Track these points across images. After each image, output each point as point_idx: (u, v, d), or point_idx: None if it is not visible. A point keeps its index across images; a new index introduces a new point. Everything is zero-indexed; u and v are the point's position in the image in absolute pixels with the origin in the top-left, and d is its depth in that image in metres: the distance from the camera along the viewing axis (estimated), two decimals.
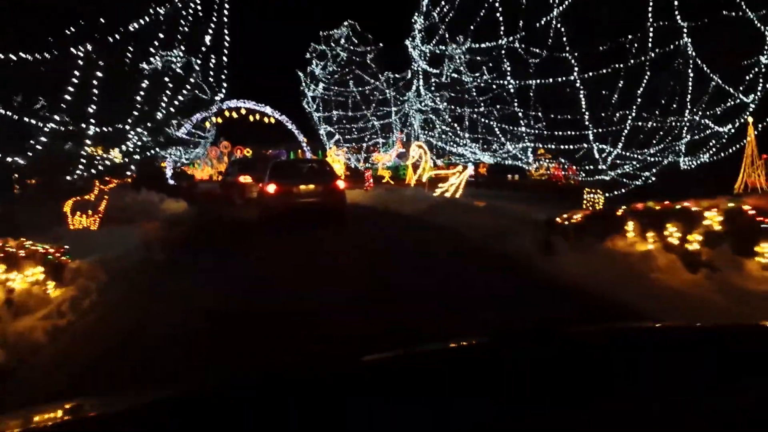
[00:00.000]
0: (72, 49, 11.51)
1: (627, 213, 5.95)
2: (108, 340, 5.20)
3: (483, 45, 15.47)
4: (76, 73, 11.73)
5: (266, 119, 27.96)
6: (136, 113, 14.29)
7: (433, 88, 17.40)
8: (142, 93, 14.28)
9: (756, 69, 15.19)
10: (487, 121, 16.13)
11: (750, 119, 20.03)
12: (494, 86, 15.55)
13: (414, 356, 1.58)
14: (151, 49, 14.09)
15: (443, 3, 16.83)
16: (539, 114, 15.93)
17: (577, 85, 14.23)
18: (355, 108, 32.74)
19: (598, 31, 14.02)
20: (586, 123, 14.69)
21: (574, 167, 19.17)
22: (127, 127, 14.33)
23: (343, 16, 35.24)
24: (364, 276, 7.27)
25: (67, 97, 11.86)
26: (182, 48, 15.38)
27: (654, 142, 16.09)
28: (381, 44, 33.26)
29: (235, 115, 27.72)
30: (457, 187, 24.89)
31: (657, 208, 5.55)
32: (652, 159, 16.94)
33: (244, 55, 73.52)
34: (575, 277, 5.70)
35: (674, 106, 15.79)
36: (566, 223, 7.04)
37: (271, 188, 13.27)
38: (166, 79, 15.15)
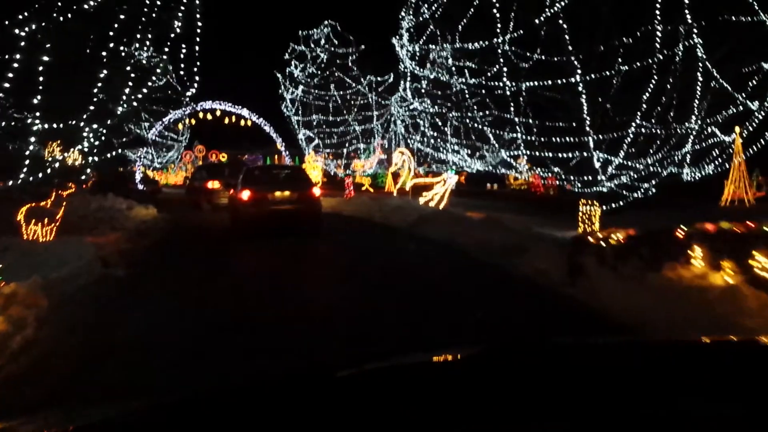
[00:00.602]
0: (15, 30, 10.11)
1: (691, 235, 4.87)
2: (41, 394, 3.99)
3: (475, 44, 14.46)
4: (18, 56, 10.18)
5: (243, 122, 26.68)
6: (92, 107, 12.72)
7: (423, 90, 16.31)
8: (99, 84, 12.61)
9: (761, 74, 14.45)
10: (478, 125, 15.10)
11: (737, 128, 19.36)
12: (487, 88, 14.54)
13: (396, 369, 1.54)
14: (111, 33, 12.44)
15: None
16: (530, 120, 14.98)
17: (579, 88, 13.29)
18: (335, 112, 31.64)
19: (601, 29, 13.10)
20: (587, 129, 13.76)
21: (560, 177, 18.24)
22: (82, 124, 12.79)
23: (324, 15, 34.20)
24: (355, 319, 5.60)
25: (7, 85, 10.31)
26: (148, 35, 13.79)
27: (651, 151, 15.24)
28: (363, 46, 32.22)
29: (209, 116, 26.41)
30: (441, 197, 23.90)
31: (737, 230, 4.51)
32: (653, 169, 16.10)
33: (220, 54, 71.80)
34: (626, 312, 4.59)
35: (672, 113, 15.00)
36: (602, 243, 5.95)
37: (245, 195, 12.91)
38: (129, 68, 13.66)
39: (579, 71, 13.07)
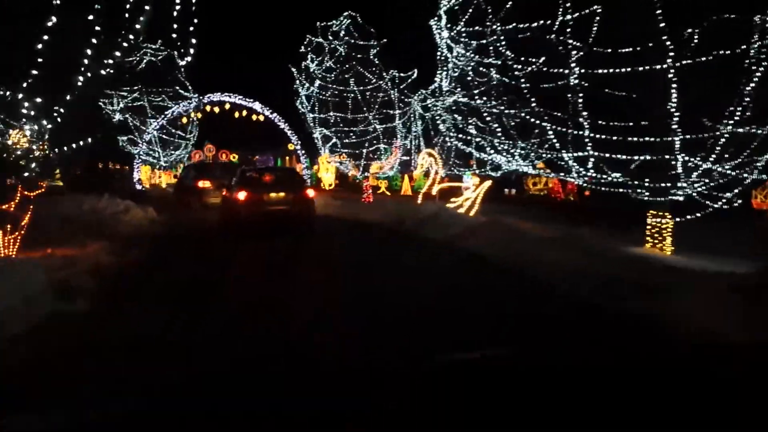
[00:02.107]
0: None
1: None
2: None
3: (535, 24, 12.00)
4: None
5: (254, 116, 24.27)
6: (35, 72, 9.74)
7: (471, 79, 13.81)
8: (46, 37, 9.63)
9: None
10: (538, 121, 12.62)
11: None
12: (550, 77, 12.06)
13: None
14: None
15: None
16: (585, 115, 12.45)
17: (670, 76, 10.77)
18: (355, 109, 29.26)
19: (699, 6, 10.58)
20: (674, 127, 11.23)
21: (618, 183, 15.74)
22: (21, 96, 9.85)
23: (344, 5, 31.82)
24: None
25: None
26: None
27: (744, 154, 12.66)
28: (385, 40, 29.83)
29: (217, 110, 23.99)
30: (473, 202, 21.59)
31: None
32: (734, 174, 13.51)
33: (229, 45, 69.47)
34: None
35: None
36: None
37: (242, 195, 13.24)
38: (92, 18, 10.66)
39: (671, 56, 10.56)
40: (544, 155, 14.96)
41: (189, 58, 14.83)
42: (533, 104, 12.61)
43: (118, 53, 11.57)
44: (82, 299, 6.52)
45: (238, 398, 1.46)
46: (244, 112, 23.70)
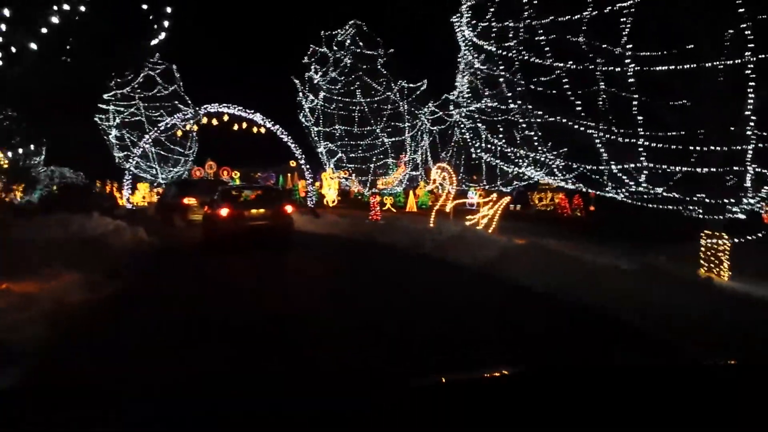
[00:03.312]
0: None
1: None
2: None
3: (578, 15, 10.39)
4: None
5: (255, 129, 22.74)
6: None
7: (502, 80, 12.14)
8: None
9: None
10: (582, 128, 10.95)
11: None
12: (593, 79, 10.42)
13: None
14: None
15: None
16: (645, 126, 10.78)
17: (749, 71, 9.09)
18: (361, 122, 27.67)
19: None
20: (749, 133, 9.53)
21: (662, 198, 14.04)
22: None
23: (349, 14, 30.39)
24: None
25: None
26: None
27: None
28: (392, 50, 28.33)
29: (215, 122, 22.43)
30: (491, 219, 19.89)
31: None
32: None
33: (228, 55, 67.85)
34: None
35: None
36: None
37: (224, 211, 13.95)
38: None
39: (750, 47, 8.89)
40: (584, 167, 13.27)
41: (161, 37, 13.14)
42: (578, 108, 10.91)
43: (55, 20, 9.56)
44: (12, 367, 4.74)
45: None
46: (244, 125, 22.20)
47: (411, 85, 27.50)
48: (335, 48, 28.52)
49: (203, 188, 19.95)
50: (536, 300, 7.20)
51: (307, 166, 23.54)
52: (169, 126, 24.98)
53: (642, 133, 10.52)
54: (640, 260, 8.50)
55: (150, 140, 25.20)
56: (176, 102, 38.37)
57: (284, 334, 5.82)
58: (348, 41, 28.20)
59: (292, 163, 70.76)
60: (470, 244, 11.69)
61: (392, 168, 30.52)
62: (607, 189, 14.02)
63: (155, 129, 24.78)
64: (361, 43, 28.29)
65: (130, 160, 24.60)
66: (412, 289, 8.40)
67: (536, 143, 12.15)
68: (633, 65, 10.10)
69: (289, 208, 15.27)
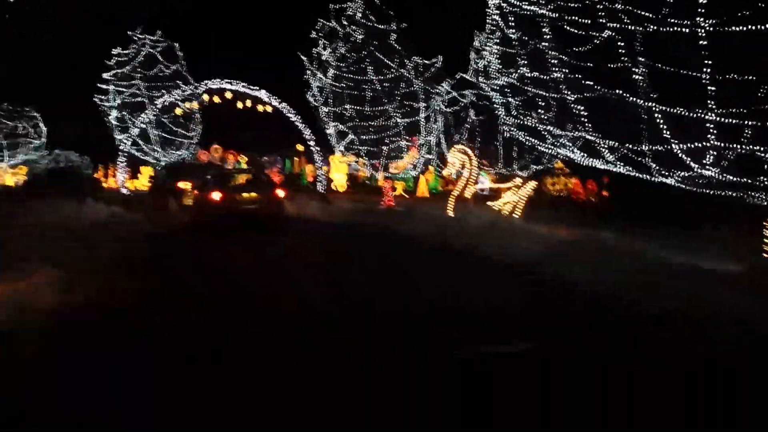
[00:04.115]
0: None
1: None
2: None
3: None
4: None
5: (261, 107, 21.18)
6: None
7: (540, 45, 10.54)
8: None
9: None
10: (641, 101, 9.37)
11: None
12: (659, 44, 8.85)
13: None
14: None
15: None
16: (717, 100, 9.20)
17: None
18: (373, 102, 26.08)
19: None
20: None
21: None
22: None
23: None
24: None
25: None
26: None
27: None
28: (404, 24, 26.68)
29: (217, 99, 20.89)
30: (514, 206, 18.43)
31: None
32: None
33: (229, 30, 65.43)
34: None
35: None
36: None
37: (216, 196, 13.92)
38: None
39: None
40: (636, 147, 11.73)
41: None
42: (640, 80, 9.33)
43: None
44: None
45: None
46: (249, 103, 20.63)
47: (426, 61, 25.81)
48: (345, 22, 26.87)
49: (198, 172, 19.39)
50: (626, 313, 5.60)
51: (317, 148, 22.02)
52: (167, 104, 23.45)
53: (713, 108, 8.93)
54: (724, 257, 6.96)
55: (147, 120, 23.70)
56: (178, 81, 36.75)
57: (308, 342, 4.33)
58: (359, 15, 26.55)
59: (299, 147, 69.21)
60: (506, 236, 10.18)
61: (405, 151, 28.99)
62: (655, 173, 12.48)
63: (153, 107, 23.34)
64: (372, 17, 26.60)
65: (125, 141, 23.14)
66: (450, 291, 6.93)
67: (582, 120, 10.59)
68: (706, 25, 8.49)
69: (280, 193, 15.36)
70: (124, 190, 22.31)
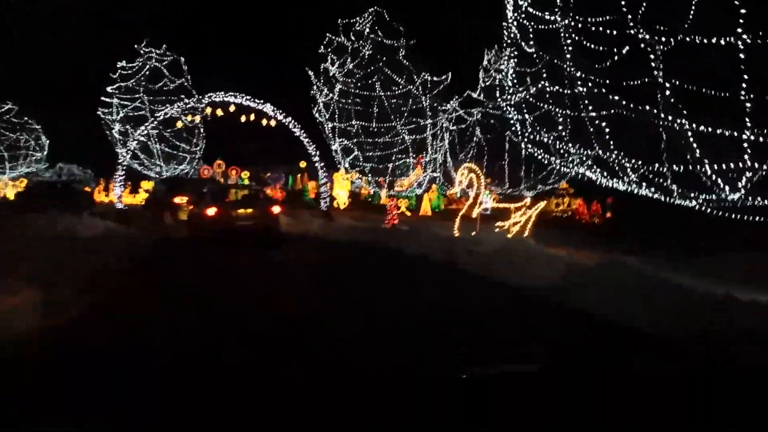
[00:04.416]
0: None
1: None
2: None
3: None
4: None
5: (265, 121, 20.69)
6: None
7: (562, 57, 9.97)
8: None
9: None
10: (669, 118, 8.78)
11: None
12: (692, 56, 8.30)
13: None
14: None
15: None
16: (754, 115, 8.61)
17: None
18: (380, 118, 25.56)
19: None
20: None
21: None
22: None
23: (368, 1, 28.21)
24: None
25: None
26: None
27: None
28: (414, 41, 26.27)
29: (220, 112, 20.42)
30: (523, 226, 17.78)
31: None
32: None
33: (234, 46, 65.24)
34: None
35: None
36: None
37: (211, 211, 13.98)
38: None
39: None
40: (654, 168, 11.15)
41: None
42: (665, 96, 8.73)
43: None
44: None
45: None
46: (253, 116, 20.18)
47: (435, 78, 25.32)
48: (353, 38, 26.45)
49: (194, 187, 19.18)
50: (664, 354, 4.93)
51: (322, 164, 21.50)
52: (168, 116, 22.97)
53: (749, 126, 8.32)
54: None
55: (146, 132, 23.19)
56: (182, 96, 36.37)
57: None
58: (367, 30, 26.13)
59: (302, 164, 68.79)
60: (521, 259, 9.53)
61: (410, 168, 28.47)
62: (677, 195, 11.89)
63: (152, 119, 22.87)
64: (381, 33, 26.18)
65: (124, 155, 22.69)
66: (459, 324, 6.27)
67: (602, 137, 9.99)
68: (745, 36, 7.91)
69: (276, 209, 15.42)
70: (119, 205, 21.71)
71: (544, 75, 10.55)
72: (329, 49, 26.56)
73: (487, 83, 36.53)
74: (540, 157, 12.61)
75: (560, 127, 11.02)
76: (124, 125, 38.48)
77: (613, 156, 11.31)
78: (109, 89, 39.20)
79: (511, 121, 12.25)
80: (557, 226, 27.64)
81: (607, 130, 10.86)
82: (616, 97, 9.69)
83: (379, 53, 25.96)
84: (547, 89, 10.61)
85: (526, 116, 11.76)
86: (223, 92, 20.37)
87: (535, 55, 11.71)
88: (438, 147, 26.77)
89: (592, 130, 11.00)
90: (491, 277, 9.07)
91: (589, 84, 9.99)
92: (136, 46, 38.71)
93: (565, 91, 10.10)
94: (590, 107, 10.42)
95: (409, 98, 25.32)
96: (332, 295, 8.25)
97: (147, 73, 38.45)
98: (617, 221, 33.83)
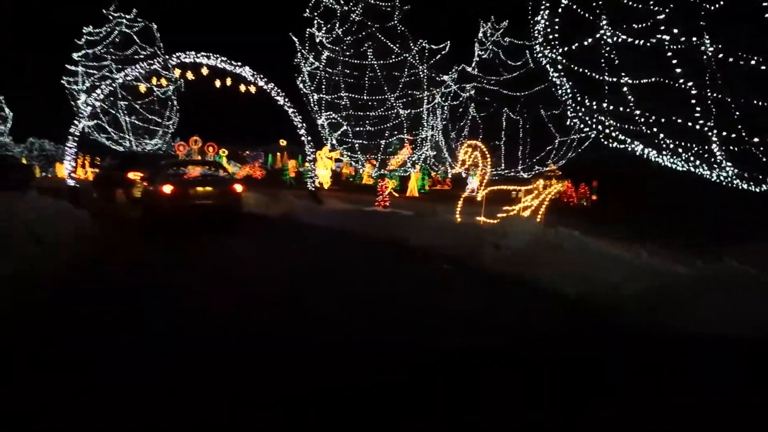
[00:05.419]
0: None
1: None
2: None
3: None
4: None
5: (243, 87, 18.15)
6: None
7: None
8: None
9: None
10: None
11: None
12: None
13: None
14: None
15: None
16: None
17: None
18: (372, 90, 23.23)
19: None
20: None
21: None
22: None
23: None
24: None
25: None
26: None
27: None
28: (408, 6, 23.89)
29: (190, 75, 17.85)
30: (534, 211, 15.83)
31: None
32: None
33: (219, 12, 62.37)
34: None
35: None
36: None
37: (167, 189, 13.20)
38: None
39: None
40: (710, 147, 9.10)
41: None
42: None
43: None
44: None
45: None
46: (229, 81, 17.68)
47: (433, 46, 23.00)
48: (343, 1, 24.01)
49: (151, 162, 17.64)
50: None
51: (309, 138, 19.20)
52: (132, 80, 20.41)
53: None
54: None
55: (101, 96, 20.60)
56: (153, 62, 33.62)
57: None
58: None
59: (282, 142, 66.08)
60: (570, 257, 7.39)
61: (400, 147, 26.30)
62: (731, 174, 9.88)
63: (110, 81, 20.29)
64: None
65: (85, 125, 20.11)
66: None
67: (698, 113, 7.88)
68: None
69: (238, 187, 14.64)
70: (70, 181, 19.26)
71: (606, 19, 8.37)
72: (315, 13, 24.06)
73: (483, 56, 34.29)
74: (583, 130, 10.49)
75: (607, 101, 8.88)
76: (91, 95, 35.64)
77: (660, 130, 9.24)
78: (75, 56, 36.29)
79: (555, 82, 10.06)
80: (549, 210, 25.91)
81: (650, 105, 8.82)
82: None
83: (370, 19, 23.50)
84: (609, 39, 8.44)
85: (563, 79, 9.59)
86: (194, 52, 17.84)
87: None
88: (432, 124, 24.51)
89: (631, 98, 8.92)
90: (526, 280, 6.83)
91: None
92: (104, 10, 35.79)
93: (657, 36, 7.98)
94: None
95: (404, 68, 22.95)
96: (338, 310, 6.06)
97: (116, 39, 35.54)
98: (605, 204, 32.63)
